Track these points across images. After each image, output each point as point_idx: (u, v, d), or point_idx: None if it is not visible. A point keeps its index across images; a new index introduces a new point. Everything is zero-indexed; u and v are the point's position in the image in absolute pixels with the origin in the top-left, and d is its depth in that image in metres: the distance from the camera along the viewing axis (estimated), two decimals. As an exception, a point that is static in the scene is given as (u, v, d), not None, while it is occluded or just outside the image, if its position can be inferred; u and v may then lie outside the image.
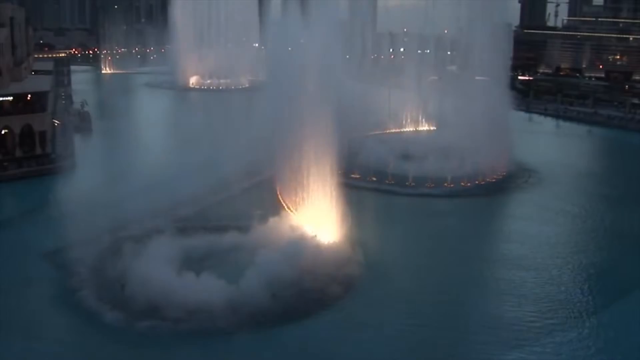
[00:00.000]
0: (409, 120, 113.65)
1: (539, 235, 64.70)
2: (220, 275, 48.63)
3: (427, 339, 43.86)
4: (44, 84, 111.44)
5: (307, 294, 48.45)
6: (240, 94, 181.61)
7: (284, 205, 61.66)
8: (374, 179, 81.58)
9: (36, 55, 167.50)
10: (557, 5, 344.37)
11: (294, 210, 60.25)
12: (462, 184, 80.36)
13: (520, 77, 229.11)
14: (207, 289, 46.34)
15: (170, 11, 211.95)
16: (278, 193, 63.47)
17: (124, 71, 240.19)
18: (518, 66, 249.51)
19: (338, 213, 57.02)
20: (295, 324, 45.50)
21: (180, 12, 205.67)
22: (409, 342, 43.55)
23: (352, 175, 79.83)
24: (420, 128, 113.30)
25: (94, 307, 46.41)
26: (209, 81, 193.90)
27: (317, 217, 57.69)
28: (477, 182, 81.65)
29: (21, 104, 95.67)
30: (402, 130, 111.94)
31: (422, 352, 42.65)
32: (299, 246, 53.01)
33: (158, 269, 48.24)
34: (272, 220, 58.58)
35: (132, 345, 42.97)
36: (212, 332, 43.67)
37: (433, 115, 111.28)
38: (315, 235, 56.17)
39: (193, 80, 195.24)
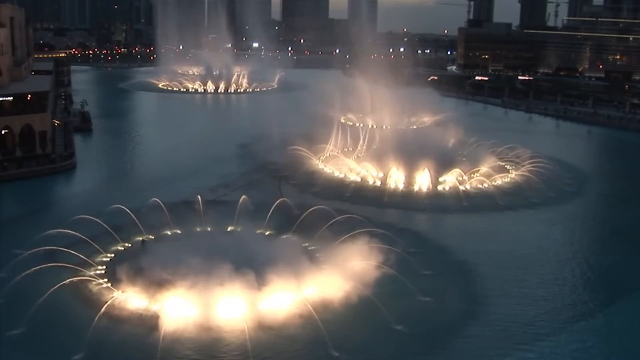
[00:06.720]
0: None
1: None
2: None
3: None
4: (44, 84, 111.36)
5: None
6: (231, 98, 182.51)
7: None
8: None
9: (36, 55, 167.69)
10: (557, 5, 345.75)
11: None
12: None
13: (520, 77, 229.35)
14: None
15: (155, 13, 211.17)
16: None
17: (124, 71, 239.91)
18: (518, 66, 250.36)
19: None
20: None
21: (165, 14, 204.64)
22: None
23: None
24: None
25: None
26: (206, 83, 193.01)
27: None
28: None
29: (21, 104, 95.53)
30: None
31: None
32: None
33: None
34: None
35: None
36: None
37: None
38: None
39: (190, 83, 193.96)
